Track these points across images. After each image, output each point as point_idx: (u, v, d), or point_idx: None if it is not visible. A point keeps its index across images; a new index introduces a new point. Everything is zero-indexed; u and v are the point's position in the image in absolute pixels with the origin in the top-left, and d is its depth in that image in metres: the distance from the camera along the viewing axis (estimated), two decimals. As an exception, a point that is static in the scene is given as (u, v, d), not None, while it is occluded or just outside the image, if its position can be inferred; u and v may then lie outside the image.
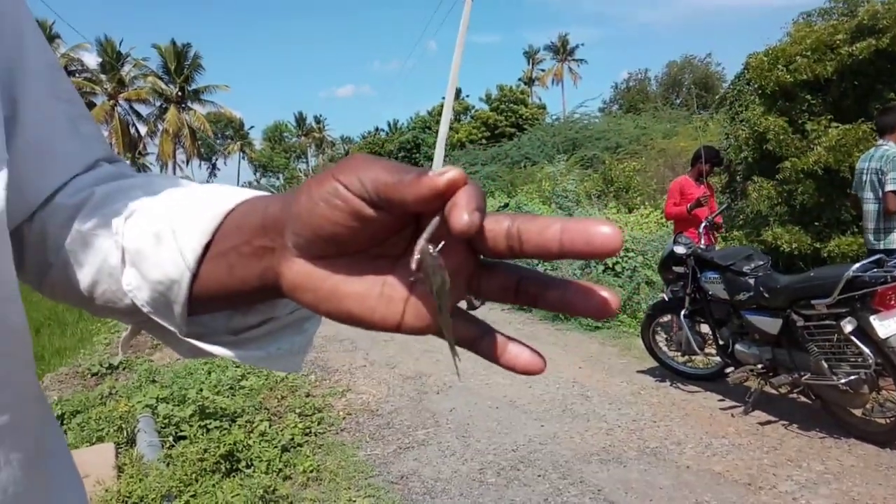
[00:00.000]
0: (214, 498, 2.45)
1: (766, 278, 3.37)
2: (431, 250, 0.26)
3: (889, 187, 3.43)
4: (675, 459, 2.92)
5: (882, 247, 3.51)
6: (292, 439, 3.13)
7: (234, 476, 2.71)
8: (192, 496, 2.47)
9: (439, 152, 12.80)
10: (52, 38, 31.07)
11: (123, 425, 3.17)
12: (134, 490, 2.44)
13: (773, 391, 3.39)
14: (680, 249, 4.00)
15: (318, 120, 63.38)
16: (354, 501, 2.56)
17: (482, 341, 0.31)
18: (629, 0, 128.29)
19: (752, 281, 3.43)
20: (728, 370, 3.73)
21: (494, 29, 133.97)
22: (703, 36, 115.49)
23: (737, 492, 2.59)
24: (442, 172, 0.25)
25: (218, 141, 54.13)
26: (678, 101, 30.02)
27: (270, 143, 60.85)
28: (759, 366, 3.39)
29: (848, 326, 2.89)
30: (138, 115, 37.81)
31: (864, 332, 2.85)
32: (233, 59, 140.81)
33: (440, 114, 14.99)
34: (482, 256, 0.31)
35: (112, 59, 35.43)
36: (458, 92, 30.63)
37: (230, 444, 2.84)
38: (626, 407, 3.65)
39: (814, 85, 5.99)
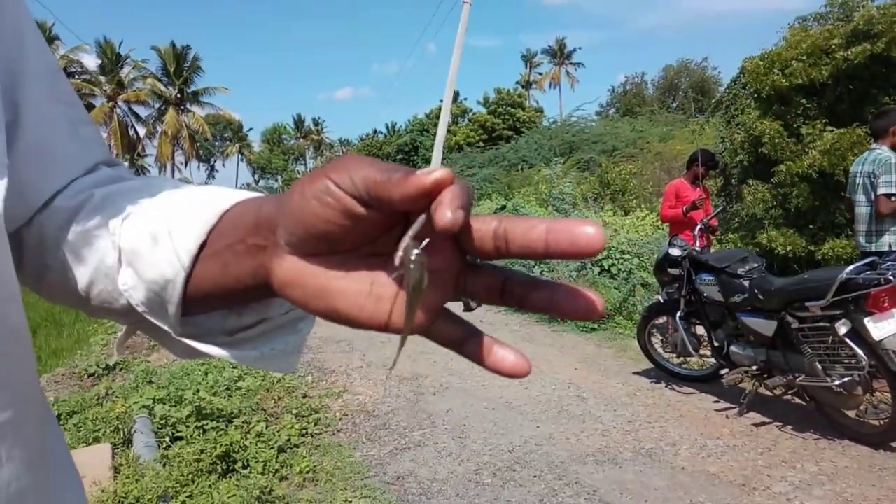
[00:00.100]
0: (211, 498, 2.45)
1: (760, 280, 3.39)
2: (415, 247, 0.26)
3: (881, 190, 3.45)
4: (670, 460, 2.93)
5: (873, 249, 3.53)
6: (289, 440, 3.14)
7: (230, 477, 2.72)
8: (188, 497, 2.47)
9: (437, 155, 12.79)
10: (51, 39, 31.06)
11: (120, 426, 3.17)
12: (130, 491, 2.44)
13: (768, 393, 3.41)
14: (675, 252, 4.03)
15: (316, 122, 63.39)
16: (351, 502, 2.57)
17: (468, 343, 0.31)
18: (629, 4, 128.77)
19: (746, 283, 3.45)
20: (723, 372, 3.74)
21: (493, 32, 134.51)
22: (705, 41, 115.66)
23: (731, 493, 2.61)
24: (429, 172, 0.25)
25: (216, 143, 54.08)
26: (675, 105, 30.20)
27: (269, 145, 60.85)
28: (754, 367, 3.41)
29: (842, 328, 2.91)
30: (137, 116, 37.85)
31: (858, 334, 2.87)
32: (232, 61, 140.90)
33: (438, 116, 15.00)
34: (469, 257, 0.31)
35: (111, 60, 35.43)
36: (456, 95, 30.59)
37: (227, 444, 2.85)
38: (621, 408, 3.67)
39: (809, 89, 6.01)
